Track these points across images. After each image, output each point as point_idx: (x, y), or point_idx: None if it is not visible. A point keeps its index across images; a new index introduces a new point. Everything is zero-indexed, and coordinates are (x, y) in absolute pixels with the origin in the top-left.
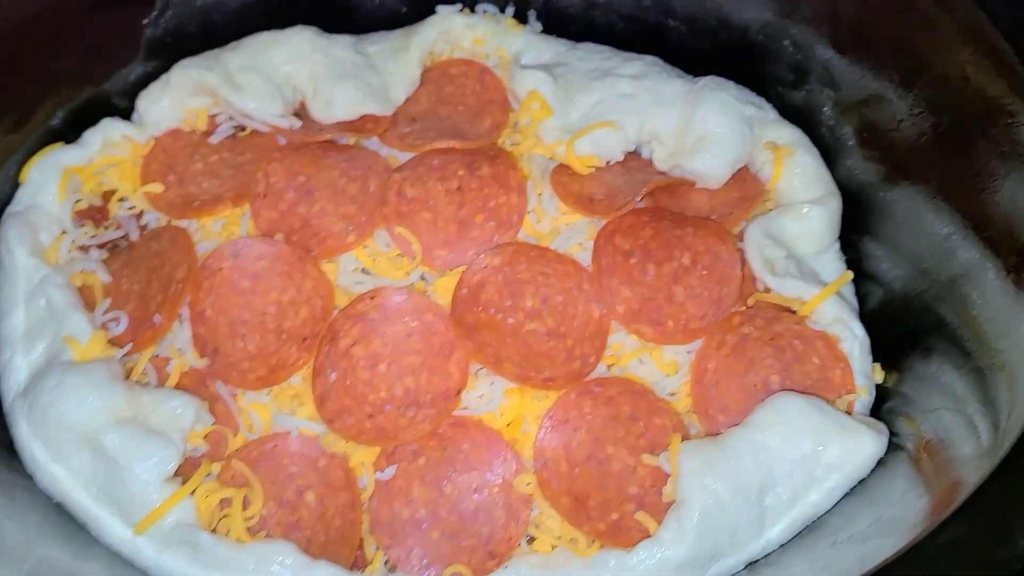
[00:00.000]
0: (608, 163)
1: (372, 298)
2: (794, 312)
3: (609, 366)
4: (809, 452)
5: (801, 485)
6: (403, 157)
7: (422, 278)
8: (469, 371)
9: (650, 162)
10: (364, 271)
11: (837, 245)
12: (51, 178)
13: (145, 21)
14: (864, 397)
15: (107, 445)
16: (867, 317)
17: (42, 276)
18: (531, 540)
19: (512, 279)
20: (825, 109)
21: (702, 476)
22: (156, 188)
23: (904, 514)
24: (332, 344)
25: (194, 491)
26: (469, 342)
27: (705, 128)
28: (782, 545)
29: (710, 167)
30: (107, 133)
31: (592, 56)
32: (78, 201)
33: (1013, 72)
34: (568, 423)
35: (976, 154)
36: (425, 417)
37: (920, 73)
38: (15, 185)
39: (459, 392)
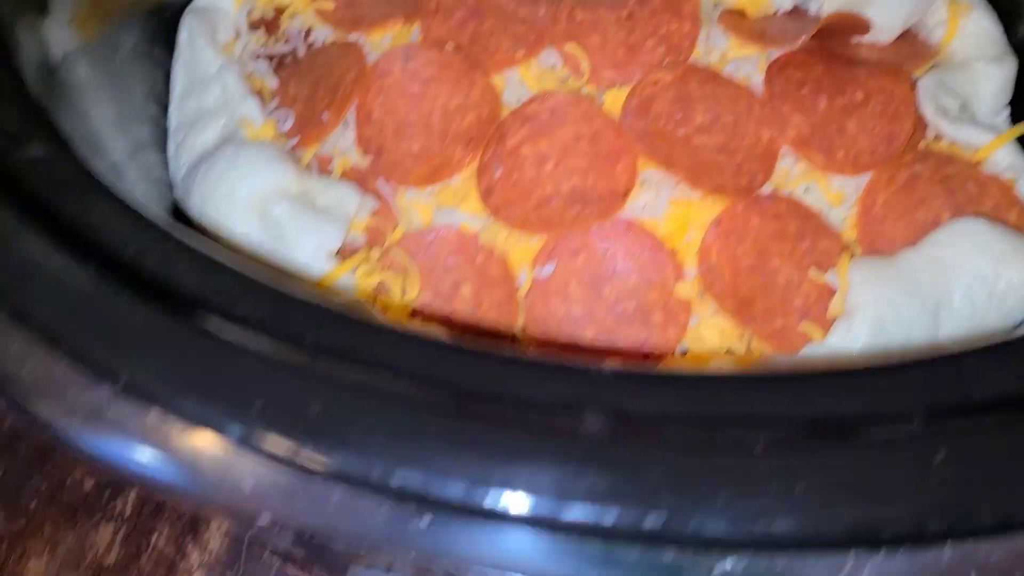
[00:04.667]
0: (775, 12)
1: (544, 100)
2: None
3: (774, 189)
4: (988, 272)
5: (979, 303)
6: None
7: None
8: (636, 178)
9: (817, 18)
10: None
11: (1007, 112)
12: None
13: None
14: None
15: (276, 216)
16: None
17: (220, 65)
18: (684, 353)
19: (682, 95)
20: None
21: (875, 285)
22: (327, 4)
23: None
24: (499, 144)
25: (355, 271)
26: (640, 143)
27: None
28: None
29: (883, 16)
30: None
31: None
32: (251, 11)
33: None
34: (734, 233)
35: None
36: (591, 213)
37: None
38: None
39: (626, 194)
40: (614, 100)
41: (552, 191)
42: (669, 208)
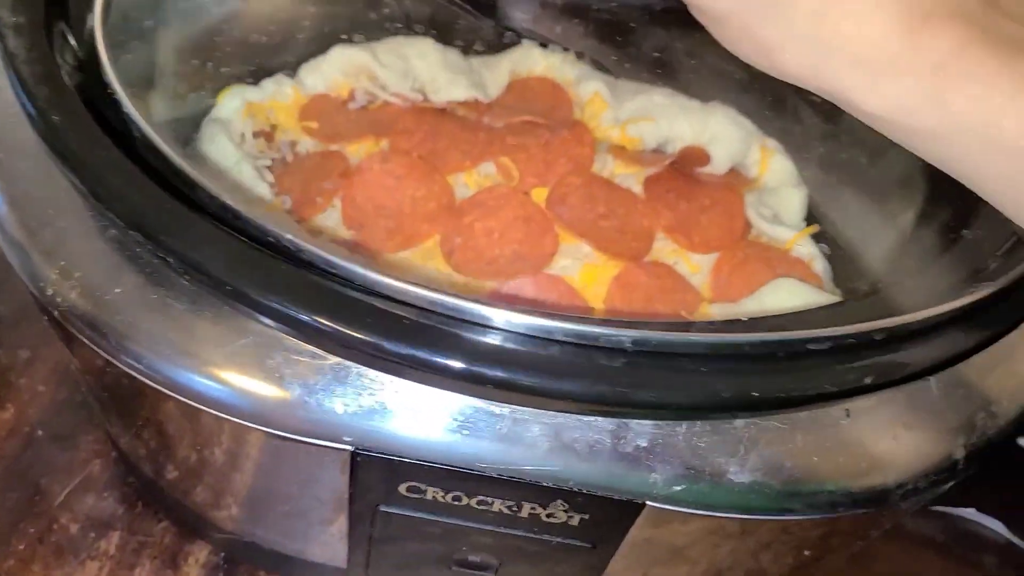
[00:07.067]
0: (644, 150)
1: (491, 191)
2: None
3: (653, 259)
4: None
5: None
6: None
7: None
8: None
9: (672, 155)
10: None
11: (802, 217)
12: (238, 103)
13: None
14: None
15: None
16: None
17: (238, 157)
18: None
19: (588, 193)
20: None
21: None
22: (312, 124)
23: None
24: (457, 220)
25: None
26: (561, 223)
27: (716, 131)
28: None
29: (719, 153)
30: (279, 84)
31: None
32: (254, 124)
33: None
34: (629, 286)
35: None
36: (528, 267)
37: None
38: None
39: (551, 257)
40: (538, 195)
41: (498, 253)
42: (582, 269)
